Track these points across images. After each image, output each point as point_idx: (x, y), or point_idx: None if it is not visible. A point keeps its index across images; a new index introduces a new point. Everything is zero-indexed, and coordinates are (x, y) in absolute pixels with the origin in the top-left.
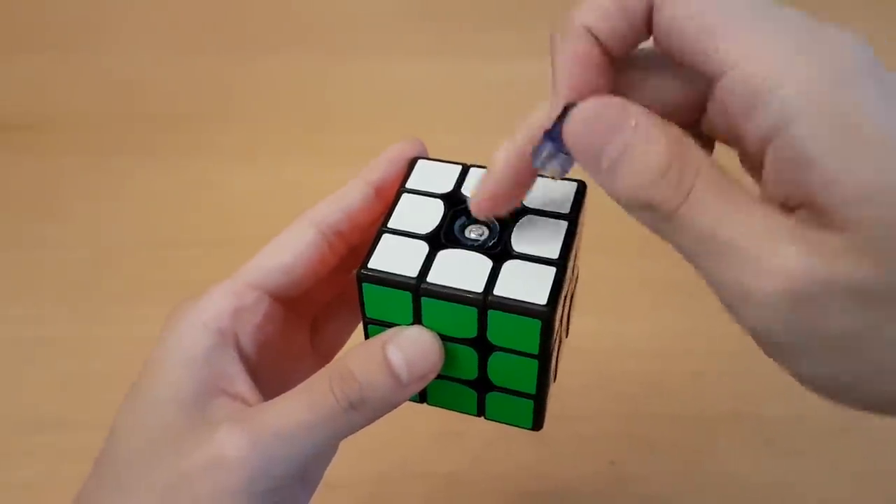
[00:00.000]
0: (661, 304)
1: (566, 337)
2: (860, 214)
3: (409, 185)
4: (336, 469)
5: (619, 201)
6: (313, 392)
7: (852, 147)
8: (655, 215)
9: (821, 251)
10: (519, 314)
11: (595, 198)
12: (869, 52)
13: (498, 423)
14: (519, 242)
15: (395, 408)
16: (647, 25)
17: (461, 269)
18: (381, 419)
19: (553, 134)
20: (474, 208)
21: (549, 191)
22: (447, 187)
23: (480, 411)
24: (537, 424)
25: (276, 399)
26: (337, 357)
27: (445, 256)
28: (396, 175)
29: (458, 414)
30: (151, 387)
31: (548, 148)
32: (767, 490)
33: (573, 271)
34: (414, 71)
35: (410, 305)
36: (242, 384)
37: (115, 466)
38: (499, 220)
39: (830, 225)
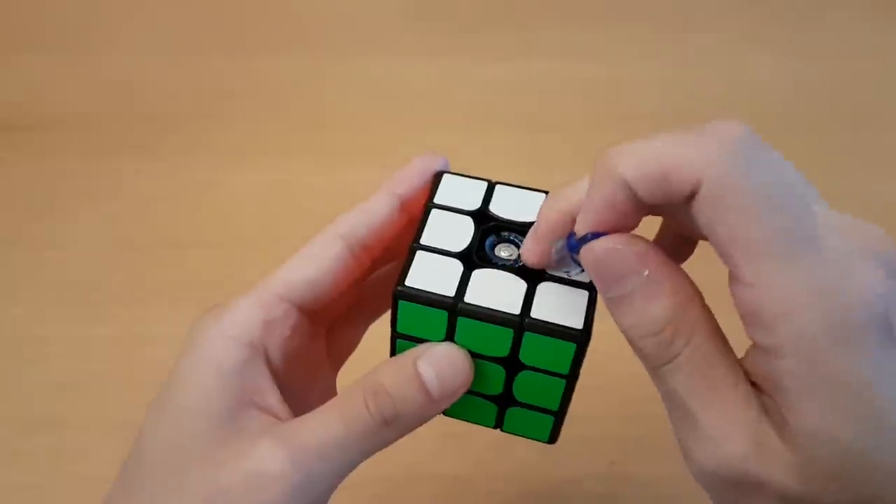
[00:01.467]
0: None
1: None
2: (814, 452)
3: (437, 200)
4: None
5: (620, 329)
6: (348, 408)
7: (828, 397)
8: (646, 364)
9: (769, 456)
10: (555, 337)
11: None
12: (891, 300)
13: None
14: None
15: (425, 423)
16: (686, 200)
17: (497, 290)
18: None
19: (571, 243)
20: (526, 260)
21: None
22: (475, 204)
23: (498, 424)
24: (553, 438)
25: (312, 414)
26: (366, 373)
27: (480, 276)
28: (422, 189)
29: None
30: (181, 397)
31: (564, 251)
32: None
33: None
34: (413, 71)
35: (445, 324)
36: (273, 398)
37: (143, 476)
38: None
39: (783, 436)
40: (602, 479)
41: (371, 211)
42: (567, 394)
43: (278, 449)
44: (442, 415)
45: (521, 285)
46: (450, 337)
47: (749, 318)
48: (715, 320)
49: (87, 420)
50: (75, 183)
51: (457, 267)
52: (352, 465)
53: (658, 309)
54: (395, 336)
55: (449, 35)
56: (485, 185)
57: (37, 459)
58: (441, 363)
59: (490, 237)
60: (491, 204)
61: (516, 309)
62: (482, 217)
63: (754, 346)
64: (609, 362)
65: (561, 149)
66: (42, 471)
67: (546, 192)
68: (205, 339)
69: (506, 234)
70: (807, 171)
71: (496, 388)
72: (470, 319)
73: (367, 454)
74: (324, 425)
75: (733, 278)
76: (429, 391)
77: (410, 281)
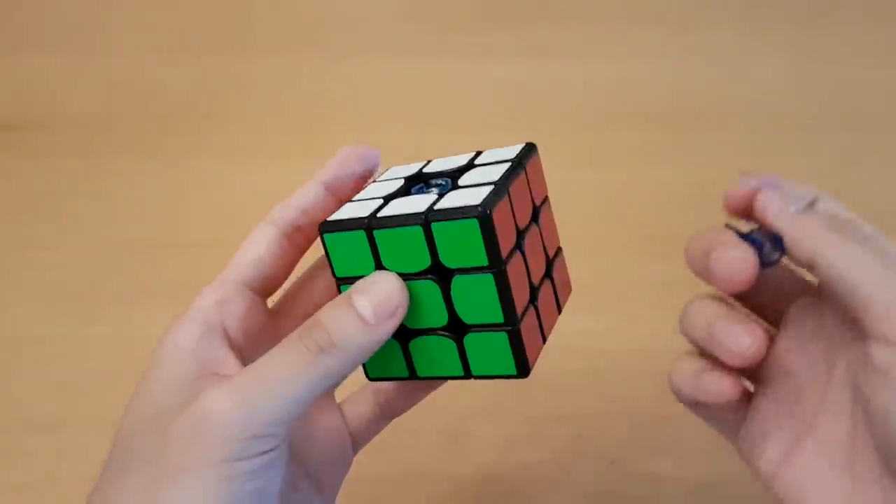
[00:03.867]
0: (663, 304)
1: (559, 312)
2: None
3: (375, 177)
4: None
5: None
6: (285, 345)
7: None
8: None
9: None
10: (458, 219)
11: (597, 200)
12: None
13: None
14: (464, 180)
15: (371, 353)
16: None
17: (408, 205)
18: None
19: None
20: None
21: (498, 152)
22: (410, 172)
23: (466, 370)
24: (521, 368)
25: (254, 362)
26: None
27: (396, 202)
28: (347, 174)
29: (459, 414)
30: (148, 383)
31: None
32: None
33: (540, 228)
34: (414, 71)
35: (368, 247)
36: (233, 367)
37: (117, 457)
38: (451, 178)
39: None
40: (602, 479)
41: (299, 195)
42: (504, 296)
43: (218, 389)
44: (414, 379)
45: (431, 197)
46: (377, 262)
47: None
48: None
49: (87, 420)
50: (75, 183)
51: (377, 203)
52: (301, 401)
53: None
54: (338, 283)
55: (449, 35)
56: (422, 162)
57: (37, 459)
58: (371, 287)
59: (416, 186)
60: (424, 169)
61: (422, 209)
62: (413, 177)
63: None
64: (609, 362)
65: (560, 148)
66: (42, 471)
67: (475, 151)
68: (169, 330)
69: (434, 181)
70: (807, 171)
71: (440, 314)
72: (385, 231)
73: (316, 386)
74: (262, 365)
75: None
76: (363, 315)
77: (331, 217)
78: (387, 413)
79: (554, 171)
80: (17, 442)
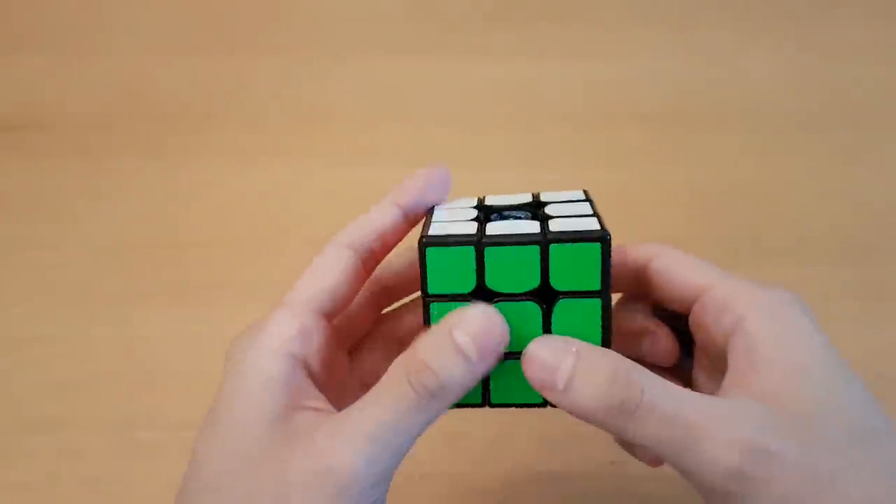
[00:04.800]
0: None
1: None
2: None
3: (436, 209)
4: None
5: (582, 414)
6: (394, 389)
7: (795, 351)
8: (621, 417)
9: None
10: (580, 241)
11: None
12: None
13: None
14: (552, 212)
15: (463, 394)
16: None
17: (514, 228)
18: None
19: None
20: None
21: (560, 194)
22: (472, 203)
23: (545, 399)
24: None
25: (360, 402)
26: (404, 352)
27: (495, 224)
28: (428, 201)
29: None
30: (234, 410)
31: None
32: None
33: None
34: (413, 71)
35: (473, 265)
36: (320, 401)
37: (204, 493)
38: (527, 210)
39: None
40: (602, 478)
41: (375, 220)
42: (606, 320)
43: (336, 441)
44: (489, 406)
45: (534, 224)
46: (480, 280)
47: (718, 313)
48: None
49: (87, 420)
50: (75, 183)
51: (471, 224)
52: (410, 443)
53: (602, 364)
54: (427, 301)
55: (448, 35)
56: (475, 198)
57: (37, 459)
58: (473, 324)
59: (493, 215)
60: (486, 202)
61: (537, 230)
62: (482, 208)
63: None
64: None
65: (560, 148)
66: (42, 471)
67: (531, 194)
68: (247, 356)
69: (507, 213)
70: (807, 170)
71: (534, 338)
72: (497, 248)
73: (422, 429)
74: (376, 410)
75: (694, 303)
76: (467, 355)
77: (432, 231)
78: None
79: (554, 172)
80: (17, 442)
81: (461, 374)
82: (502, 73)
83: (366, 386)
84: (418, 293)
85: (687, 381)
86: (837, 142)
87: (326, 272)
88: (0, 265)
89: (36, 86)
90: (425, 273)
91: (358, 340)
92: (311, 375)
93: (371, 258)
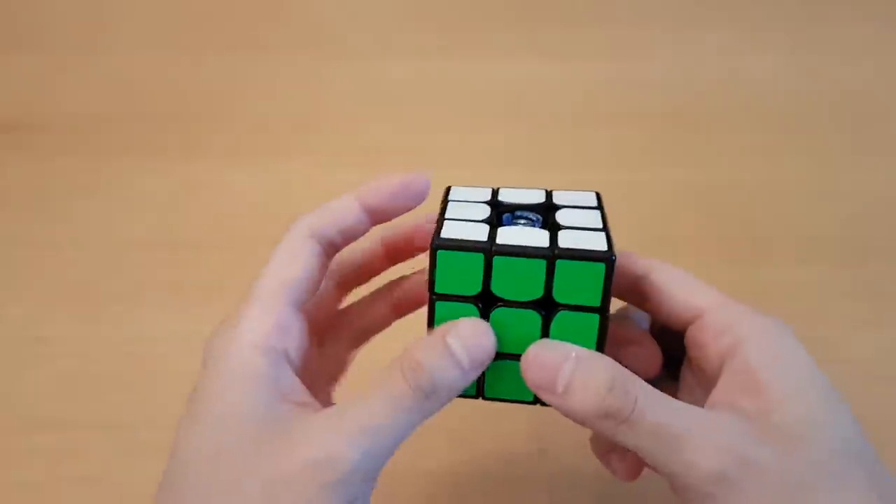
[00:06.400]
0: None
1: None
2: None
3: (451, 197)
4: None
5: (576, 417)
6: (390, 387)
7: (789, 374)
8: (614, 422)
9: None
10: (586, 260)
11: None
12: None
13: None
14: (565, 221)
15: (452, 398)
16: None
17: (524, 237)
18: None
19: None
20: None
21: (572, 196)
22: (486, 197)
23: (537, 397)
24: None
25: (355, 397)
26: (401, 354)
27: (505, 231)
28: (396, 208)
29: (459, 414)
30: (217, 407)
31: None
32: None
33: None
34: (413, 71)
35: (481, 270)
36: (304, 395)
37: (189, 488)
38: (539, 213)
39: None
40: (602, 478)
41: (337, 215)
42: (602, 335)
43: (332, 433)
44: (482, 399)
45: (544, 233)
46: (486, 285)
47: (717, 333)
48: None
49: (87, 420)
50: (75, 183)
51: (483, 227)
52: (401, 439)
53: (603, 370)
54: (434, 299)
55: (448, 35)
56: (489, 188)
57: (37, 459)
58: (466, 334)
59: (505, 216)
60: (499, 196)
61: (546, 244)
62: (495, 204)
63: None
64: None
65: (560, 148)
66: (42, 471)
67: (545, 190)
68: (227, 352)
69: (519, 213)
70: (807, 170)
71: (531, 342)
72: (506, 258)
73: (413, 427)
74: (371, 405)
75: (692, 323)
76: (459, 361)
77: (445, 234)
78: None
79: (554, 172)
80: (18, 442)
81: (453, 377)
82: (503, 73)
83: (333, 377)
84: (380, 280)
85: (669, 394)
86: (838, 142)
87: (295, 262)
88: (0, 265)
89: (36, 86)
90: (434, 273)
91: (323, 331)
92: (294, 369)
93: (331, 248)
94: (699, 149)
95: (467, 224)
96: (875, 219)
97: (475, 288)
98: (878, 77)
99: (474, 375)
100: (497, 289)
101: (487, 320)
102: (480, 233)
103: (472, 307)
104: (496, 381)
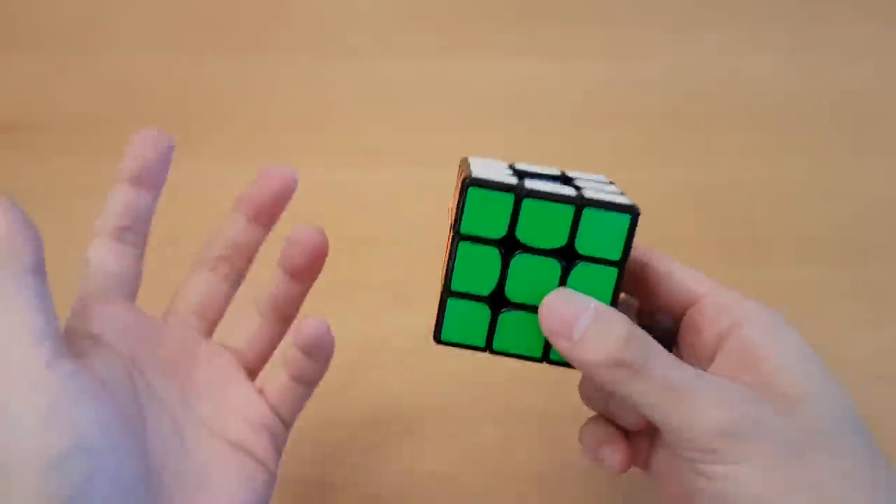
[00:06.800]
0: None
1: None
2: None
3: (471, 161)
4: (336, 468)
5: (586, 365)
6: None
7: (785, 350)
8: (625, 372)
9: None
10: (613, 210)
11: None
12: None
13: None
14: (582, 185)
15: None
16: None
17: (551, 187)
18: (381, 418)
19: None
20: None
21: (584, 175)
22: (505, 167)
23: (545, 354)
24: None
25: None
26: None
27: (533, 182)
28: (265, 200)
29: (458, 416)
30: None
31: None
32: None
33: None
34: (413, 71)
35: (510, 212)
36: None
37: None
38: (560, 180)
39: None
40: (601, 479)
41: (226, 232)
42: (617, 290)
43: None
44: (490, 352)
45: (569, 189)
46: (512, 229)
47: (715, 315)
48: None
49: None
50: (75, 182)
51: (511, 176)
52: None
53: (620, 324)
54: (458, 239)
55: (449, 35)
56: (505, 162)
57: None
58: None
59: (527, 178)
60: (517, 167)
61: (573, 192)
62: (516, 171)
63: (718, 353)
64: None
65: (560, 148)
66: None
67: (559, 170)
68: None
69: (541, 176)
70: (807, 170)
71: (548, 293)
72: (535, 201)
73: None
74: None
75: (691, 306)
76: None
77: (476, 173)
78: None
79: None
80: None
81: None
82: (503, 73)
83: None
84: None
85: None
86: (838, 142)
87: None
88: None
89: (36, 86)
90: (462, 211)
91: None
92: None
93: (225, 264)
94: (699, 149)
95: (496, 170)
96: (875, 219)
97: (501, 230)
98: (878, 77)
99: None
100: (522, 233)
101: (508, 266)
102: (509, 178)
103: (495, 253)
104: (507, 333)
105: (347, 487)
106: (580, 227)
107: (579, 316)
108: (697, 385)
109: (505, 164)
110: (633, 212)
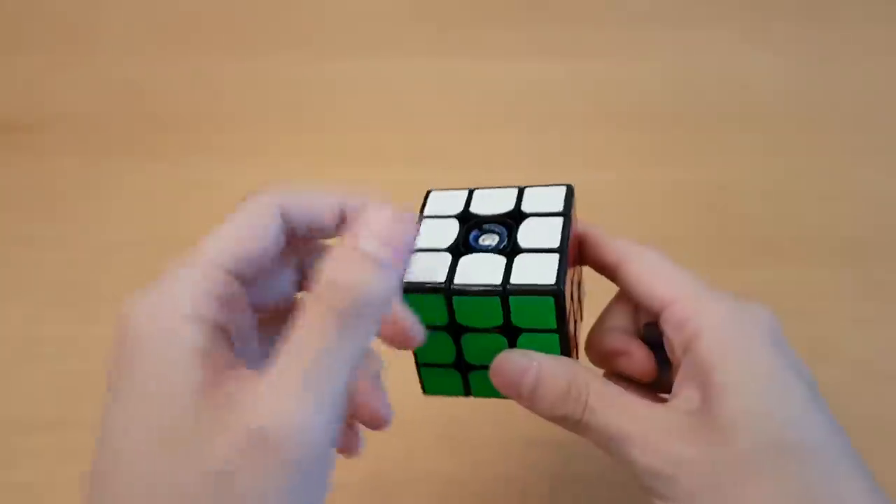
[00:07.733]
0: None
1: (581, 320)
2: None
3: (426, 212)
4: (336, 469)
5: (544, 417)
6: (313, 324)
7: (736, 365)
8: (569, 423)
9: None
10: (534, 294)
11: (597, 201)
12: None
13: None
14: (525, 240)
15: (390, 302)
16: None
17: (481, 269)
18: None
19: None
20: None
21: (542, 196)
22: (459, 209)
23: None
24: None
25: (280, 355)
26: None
27: (466, 261)
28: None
29: (458, 416)
30: (147, 385)
31: None
32: None
33: (575, 261)
34: (413, 71)
35: (445, 306)
36: (243, 368)
37: (124, 487)
38: (505, 225)
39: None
40: (601, 479)
41: (315, 202)
42: (564, 346)
43: (271, 395)
44: (472, 396)
45: (501, 261)
46: (452, 318)
47: (678, 325)
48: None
49: (87, 420)
50: (75, 183)
51: (446, 258)
52: (347, 376)
53: (559, 380)
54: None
55: (449, 35)
56: (465, 192)
57: (37, 459)
58: (376, 224)
59: (474, 231)
60: (471, 206)
61: (498, 280)
62: (465, 218)
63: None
64: None
65: (560, 148)
66: (42, 471)
67: (518, 188)
68: (157, 322)
69: (487, 225)
70: (807, 170)
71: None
72: (463, 297)
73: (356, 358)
74: (303, 349)
75: (661, 313)
76: (377, 259)
77: (408, 277)
78: None
79: (554, 171)
80: (17, 442)
81: (378, 281)
82: (503, 73)
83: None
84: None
85: (668, 387)
86: (839, 142)
87: (250, 233)
88: (0, 265)
89: (36, 86)
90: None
91: (274, 308)
92: (230, 341)
93: (292, 234)
94: (699, 149)
95: (432, 256)
96: (876, 219)
97: (443, 319)
98: (880, 77)
99: (401, 265)
100: (461, 319)
101: (459, 344)
102: (442, 267)
103: (446, 335)
104: (481, 384)
105: (344, 487)
106: (512, 309)
107: (523, 375)
108: (630, 429)
109: (463, 199)
110: (553, 293)
